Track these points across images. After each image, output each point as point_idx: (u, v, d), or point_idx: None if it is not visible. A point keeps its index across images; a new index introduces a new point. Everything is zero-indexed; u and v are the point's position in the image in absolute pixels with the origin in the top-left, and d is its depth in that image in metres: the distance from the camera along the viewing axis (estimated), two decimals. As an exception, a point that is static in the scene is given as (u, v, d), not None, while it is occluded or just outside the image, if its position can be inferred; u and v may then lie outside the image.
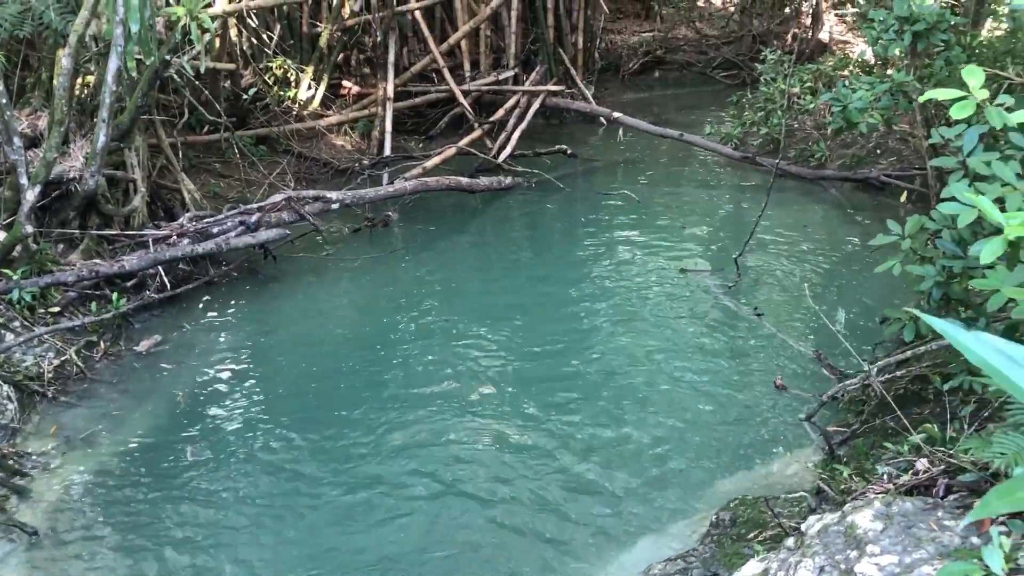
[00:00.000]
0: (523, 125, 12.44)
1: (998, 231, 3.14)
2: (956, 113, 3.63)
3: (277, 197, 8.81)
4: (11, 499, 5.29)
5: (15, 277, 6.83)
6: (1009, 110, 3.82)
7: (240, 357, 7.13)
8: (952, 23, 6.72)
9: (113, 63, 7.37)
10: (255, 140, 11.23)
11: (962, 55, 6.98)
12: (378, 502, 5.30)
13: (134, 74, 7.93)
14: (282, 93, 12.10)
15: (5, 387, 6.05)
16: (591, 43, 15.13)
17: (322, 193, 9.16)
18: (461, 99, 12.72)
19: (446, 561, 4.82)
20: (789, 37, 16.77)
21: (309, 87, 12.32)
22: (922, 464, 3.94)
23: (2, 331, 6.55)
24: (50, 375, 6.46)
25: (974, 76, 3.69)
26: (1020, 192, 3.76)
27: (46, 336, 6.73)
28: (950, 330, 1.03)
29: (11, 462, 5.55)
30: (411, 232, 9.89)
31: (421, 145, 12.82)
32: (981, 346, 0.99)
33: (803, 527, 3.85)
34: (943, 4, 9.84)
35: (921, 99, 4.19)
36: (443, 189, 10.35)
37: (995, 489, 0.94)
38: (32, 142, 7.87)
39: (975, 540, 3.21)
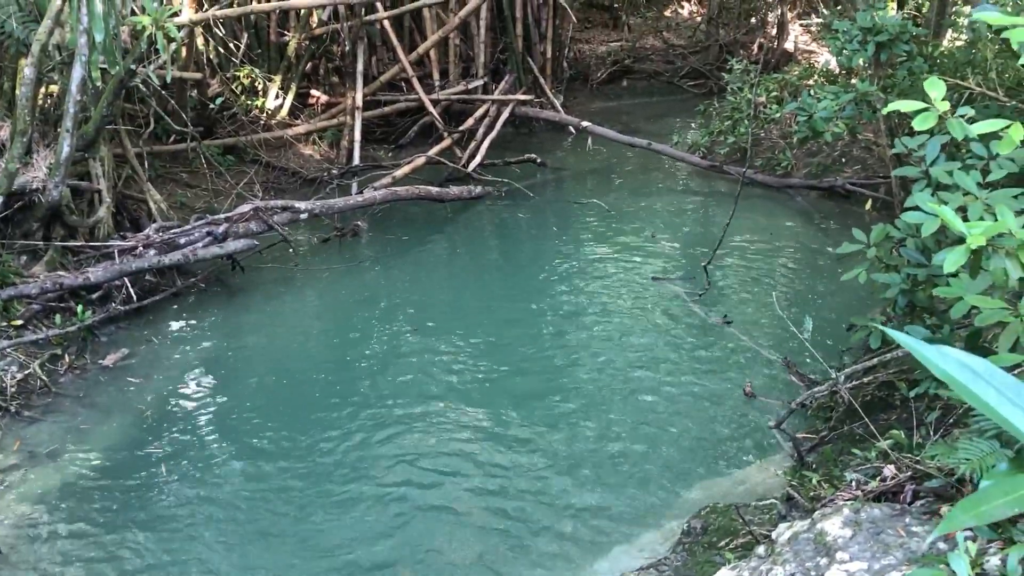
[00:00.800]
0: (492, 134, 12.46)
1: (961, 240, 3.20)
2: (918, 125, 3.69)
3: (245, 207, 8.74)
4: (-27, 517, 5.18)
5: (-23, 290, 6.71)
6: (971, 121, 3.89)
7: (208, 369, 7.06)
8: (914, 34, 6.84)
9: (77, 72, 7.29)
10: (222, 150, 11.13)
11: (924, 65, 7.10)
12: (346, 514, 5.26)
13: (99, 83, 7.85)
14: (250, 102, 12.02)
15: (-34, 402, 5.94)
16: (560, 52, 15.21)
17: (290, 203, 9.11)
18: (431, 108, 12.71)
19: (416, 569, 4.79)
20: (755, 47, 16.97)
21: (277, 96, 12.26)
22: (889, 470, 3.99)
23: (-37, 345, 6.43)
24: (13, 389, 6.35)
25: (935, 88, 3.75)
26: (981, 201, 3.83)
27: (9, 350, 6.61)
28: (914, 344, 1.04)
29: (-27, 479, 5.44)
30: (381, 242, 9.86)
31: (391, 154, 12.78)
32: (944, 359, 1.00)
33: (773, 535, 3.88)
34: (905, 16, 10.02)
35: (884, 110, 4.25)
36: (413, 199, 10.33)
37: (961, 503, 0.95)
38: (-6, 152, 7.74)
39: (942, 545, 3.25)
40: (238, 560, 4.92)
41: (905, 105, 3.68)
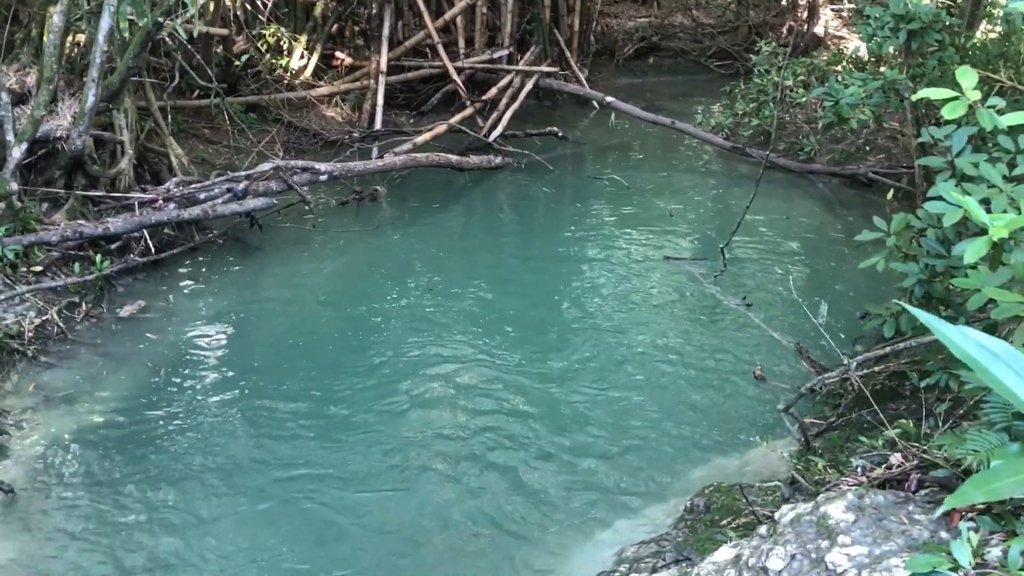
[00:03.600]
0: (515, 105, 12.42)
1: (983, 232, 3.18)
2: (948, 113, 3.66)
3: (265, 166, 8.76)
4: (-12, 456, 5.28)
5: (-2, 234, 6.78)
6: (1000, 112, 3.86)
7: (222, 324, 7.12)
8: (947, 23, 6.75)
9: (105, 22, 7.30)
10: (245, 107, 11.15)
11: (955, 56, 7.02)
12: (355, 474, 5.32)
13: (126, 35, 7.86)
14: (274, 61, 12.02)
15: (-15, 344, 6.02)
16: (587, 26, 15.08)
17: (311, 164, 9.12)
18: (454, 76, 12.66)
19: (421, 535, 4.86)
20: (785, 29, 16.79)
21: (302, 56, 12.24)
22: (896, 459, 4.00)
23: (-17, 288, 6.50)
24: (30, 334, 6.42)
25: (967, 77, 3.72)
26: (1006, 194, 3.80)
27: (28, 295, 6.69)
28: (936, 324, 1.05)
29: (-11, 420, 5.53)
30: (399, 207, 9.87)
31: (412, 120, 12.77)
32: (965, 340, 1.01)
33: (776, 516, 3.90)
34: (939, 4, 9.87)
35: (914, 98, 4.22)
36: (432, 165, 10.32)
37: (972, 479, 0.96)
38: (20, 99, 7.78)
39: (944, 534, 3.26)
40: (242, 510, 4.99)
41: (935, 93, 3.65)
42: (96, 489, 5.13)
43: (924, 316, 1.08)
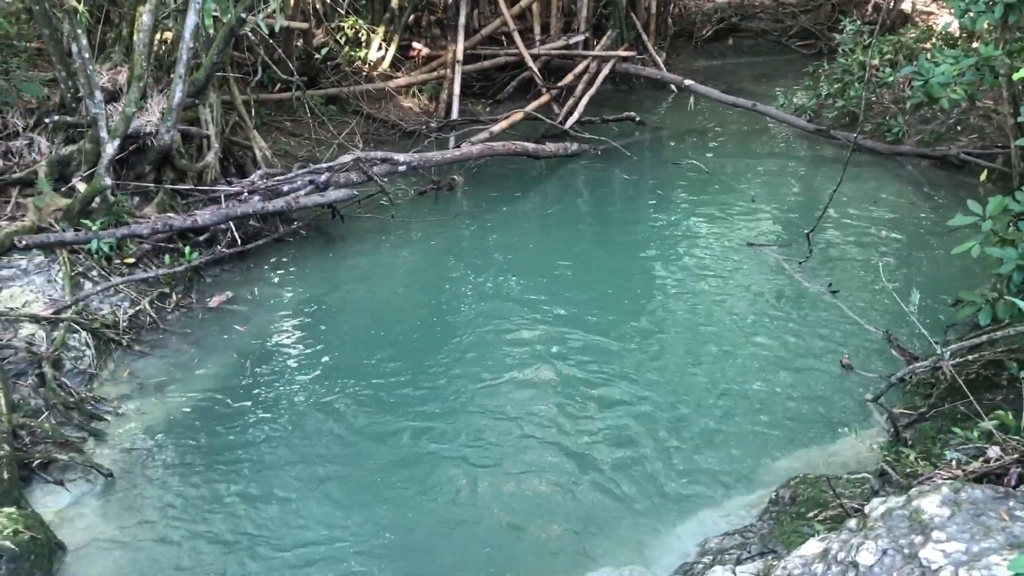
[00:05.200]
0: (592, 91, 12.34)
1: (1090, 216, 3.03)
2: (1052, 91, 3.49)
3: (346, 157, 8.89)
4: (88, 441, 5.50)
5: (94, 228, 7.03)
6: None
7: (306, 314, 7.26)
8: (1048, -5, 6.43)
9: (191, 20, 7.49)
10: (325, 100, 11.33)
11: (1056, 30, 6.69)
12: (435, 466, 5.38)
13: (211, 31, 8.06)
14: (353, 53, 12.17)
15: (83, 334, 6.27)
16: (664, 8, 14.89)
17: (390, 155, 9.21)
18: (530, 63, 12.63)
19: (501, 528, 4.88)
20: (869, 7, 16.25)
21: (380, 48, 12.37)
22: (994, 452, 3.85)
23: (81, 280, 6.76)
24: (125, 324, 6.66)
25: (1072, 53, 3.53)
26: (1114, 175, 3.61)
27: (122, 286, 6.94)
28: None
29: (88, 406, 5.76)
30: (476, 197, 9.91)
31: (488, 109, 12.80)
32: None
33: (866, 509, 3.79)
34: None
35: (1015, 76, 4.03)
36: (509, 154, 10.33)
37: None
38: (112, 96, 8.06)
39: (1047, 532, 3.13)
40: (323, 502, 5.09)
41: (1037, 70, 3.48)
42: (187, 472, 5.30)
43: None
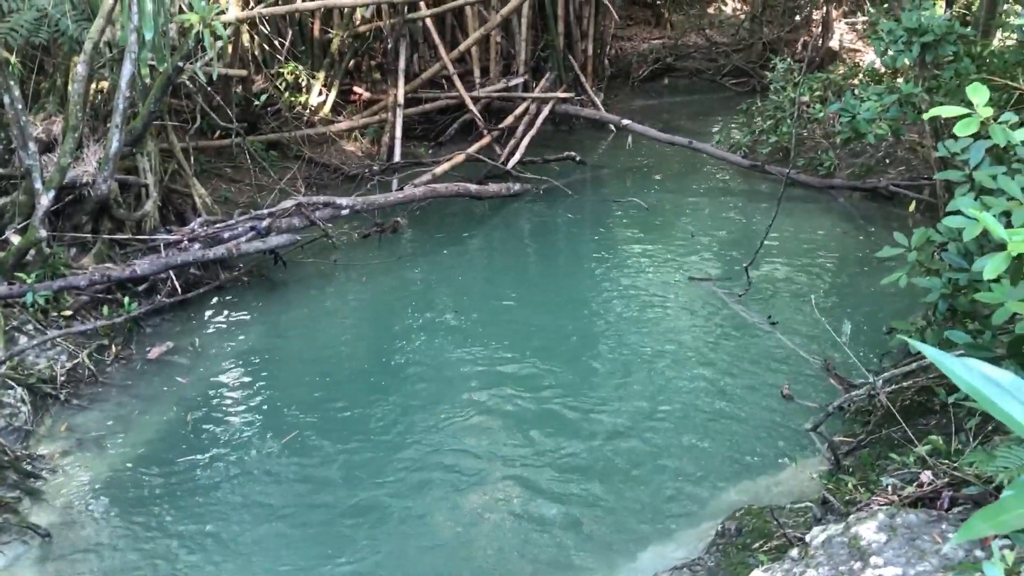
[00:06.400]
0: (532, 132, 12.50)
1: (1003, 246, 3.16)
2: (960, 131, 3.65)
3: (288, 203, 8.87)
4: (24, 501, 5.35)
5: (29, 281, 6.90)
6: (1015, 127, 3.84)
7: (250, 362, 7.19)
8: (961, 34, 6.72)
9: (127, 69, 7.45)
10: (266, 145, 11.30)
11: (971, 66, 6.98)
12: (386, 508, 5.34)
13: (147, 80, 8.02)
14: (293, 99, 12.17)
15: (19, 390, 6.12)
16: (601, 50, 15.18)
17: (332, 199, 9.21)
18: (471, 106, 12.77)
19: (448, 561, 4.86)
20: (799, 45, 16.80)
21: (320, 93, 12.40)
22: (927, 476, 3.96)
23: (16, 334, 6.62)
24: (62, 378, 6.53)
25: (978, 94, 3.71)
26: (1026, 206, 3.78)
27: (59, 339, 6.80)
28: (938, 356, 1.06)
29: (24, 464, 5.61)
30: (420, 238, 9.94)
31: (431, 151, 12.87)
32: (969, 373, 1.02)
33: (807, 537, 3.87)
34: (954, 14, 9.85)
35: (926, 116, 4.21)
36: (452, 195, 10.40)
37: (979, 512, 0.97)
38: (47, 147, 7.94)
39: (979, 553, 3.23)
40: (278, 548, 5.02)
41: (947, 111, 3.64)
42: (129, 530, 5.18)
43: (927, 350, 1.09)
